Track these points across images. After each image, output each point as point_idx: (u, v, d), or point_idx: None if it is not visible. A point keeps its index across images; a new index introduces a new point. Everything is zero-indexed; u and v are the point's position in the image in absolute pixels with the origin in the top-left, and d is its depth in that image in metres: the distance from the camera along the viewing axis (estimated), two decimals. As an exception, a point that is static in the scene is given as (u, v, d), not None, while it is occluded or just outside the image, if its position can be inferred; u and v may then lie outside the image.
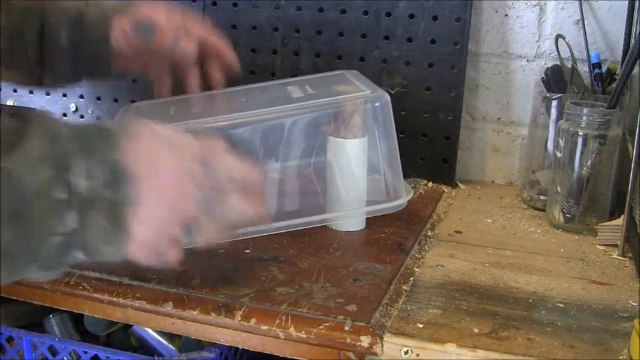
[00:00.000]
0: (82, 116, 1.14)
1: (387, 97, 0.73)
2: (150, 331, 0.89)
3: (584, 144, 0.79)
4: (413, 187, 0.90)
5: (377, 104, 0.74)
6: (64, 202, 0.47)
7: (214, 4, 1.03)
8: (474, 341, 0.56)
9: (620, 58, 0.87)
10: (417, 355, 0.56)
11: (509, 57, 0.96)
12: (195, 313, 0.61)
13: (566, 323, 0.60)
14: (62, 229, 0.48)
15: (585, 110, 0.78)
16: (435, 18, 0.93)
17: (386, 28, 0.96)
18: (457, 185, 0.98)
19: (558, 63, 0.90)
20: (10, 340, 0.75)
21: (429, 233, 0.80)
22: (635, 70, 0.87)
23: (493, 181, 1.01)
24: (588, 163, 0.79)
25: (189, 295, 0.63)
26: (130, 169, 0.50)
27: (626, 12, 0.86)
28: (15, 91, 1.17)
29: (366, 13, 0.96)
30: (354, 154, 0.75)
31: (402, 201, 0.75)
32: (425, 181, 0.96)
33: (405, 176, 0.88)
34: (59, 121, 0.51)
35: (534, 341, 0.57)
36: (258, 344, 0.61)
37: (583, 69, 0.89)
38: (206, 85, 0.82)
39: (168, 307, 0.62)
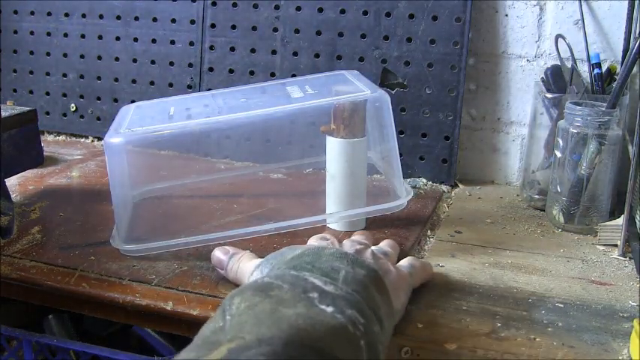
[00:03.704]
0: (82, 116, 1.14)
1: (387, 97, 0.73)
2: (150, 331, 0.89)
3: (584, 144, 0.79)
4: (413, 187, 0.90)
5: (377, 104, 0.74)
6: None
7: (214, 4, 1.04)
8: (474, 341, 0.56)
9: (620, 58, 0.87)
10: (417, 355, 0.56)
11: (509, 57, 0.96)
12: (195, 313, 0.61)
13: (566, 323, 0.60)
14: None
15: (585, 110, 0.78)
16: (434, 18, 0.93)
17: (386, 28, 0.96)
18: (457, 185, 0.98)
19: (558, 63, 0.90)
20: (10, 340, 0.74)
21: (429, 233, 0.80)
22: (635, 70, 0.87)
23: (493, 181, 1.01)
24: (588, 163, 0.79)
25: (189, 295, 0.63)
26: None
27: (626, 12, 0.86)
28: (15, 91, 1.18)
29: (365, 13, 0.96)
30: (354, 154, 0.75)
31: (402, 201, 0.75)
32: (425, 181, 0.96)
33: (405, 176, 0.89)
34: None
35: (534, 341, 0.57)
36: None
37: (583, 69, 0.89)
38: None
39: (168, 307, 0.62)
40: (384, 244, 0.68)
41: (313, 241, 0.65)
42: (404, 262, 0.64)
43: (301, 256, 0.55)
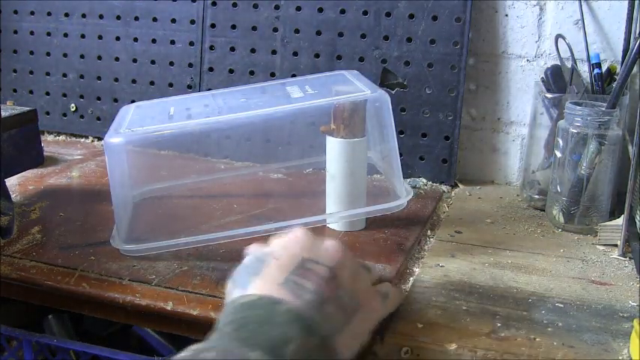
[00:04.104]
0: (82, 116, 1.14)
1: (387, 97, 0.73)
2: (150, 331, 0.89)
3: (584, 144, 0.79)
4: (413, 187, 0.90)
5: (377, 104, 0.74)
6: None
7: (214, 4, 1.04)
8: (474, 341, 0.56)
9: (620, 58, 0.87)
10: (417, 355, 0.56)
11: (509, 57, 0.96)
12: (195, 313, 0.61)
13: (566, 323, 0.60)
14: None
15: (585, 110, 0.78)
16: (434, 18, 0.93)
17: (386, 28, 0.96)
18: (457, 185, 0.98)
19: (558, 63, 0.90)
20: (10, 340, 0.74)
21: (429, 233, 0.80)
22: (635, 70, 0.87)
23: (493, 181, 1.01)
24: (588, 163, 0.79)
25: (189, 295, 0.63)
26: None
27: (626, 12, 0.86)
28: (15, 91, 1.18)
29: (365, 13, 0.96)
30: (354, 154, 0.75)
31: (402, 201, 0.75)
32: (425, 181, 0.96)
33: (405, 176, 0.88)
34: None
35: (534, 341, 0.57)
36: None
37: (583, 69, 0.89)
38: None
39: (168, 307, 0.62)
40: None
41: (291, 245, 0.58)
42: (380, 290, 0.59)
43: (255, 306, 0.50)
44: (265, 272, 0.53)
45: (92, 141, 1.14)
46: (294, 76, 1.00)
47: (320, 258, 0.55)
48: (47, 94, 1.16)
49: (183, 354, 0.45)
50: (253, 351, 0.45)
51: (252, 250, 0.58)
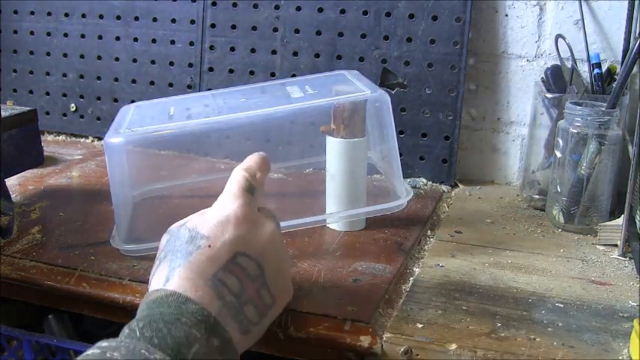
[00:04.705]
0: (82, 116, 1.14)
1: (387, 97, 0.73)
2: (150, 331, 0.88)
3: (584, 144, 0.79)
4: (413, 187, 0.90)
5: (377, 104, 0.74)
6: None
7: (214, 4, 1.04)
8: (474, 341, 0.56)
9: (620, 58, 0.87)
10: (417, 355, 0.56)
11: (509, 57, 0.96)
12: (195, 313, 0.61)
13: (566, 323, 0.60)
14: None
15: (585, 110, 0.78)
16: (434, 18, 0.93)
17: (386, 28, 0.96)
18: (457, 185, 0.98)
19: (558, 63, 0.90)
20: (10, 340, 0.74)
21: (429, 233, 0.80)
22: (635, 70, 0.87)
23: (493, 181, 1.01)
24: (588, 163, 0.79)
25: (189, 295, 0.62)
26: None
27: (626, 12, 0.86)
28: (15, 91, 1.18)
29: (365, 13, 0.96)
30: (354, 154, 0.75)
31: (402, 201, 0.75)
32: (425, 181, 0.96)
33: (405, 176, 0.88)
34: None
35: (534, 341, 0.57)
36: (258, 344, 0.61)
37: (583, 69, 0.89)
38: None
39: (168, 307, 0.61)
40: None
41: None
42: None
43: (165, 304, 0.49)
44: (195, 259, 0.52)
45: (92, 141, 1.14)
46: (294, 76, 1.00)
47: (252, 249, 0.54)
48: (47, 94, 1.16)
49: (91, 351, 0.45)
50: (156, 352, 0.45)
51: (185, 222, 0.56)
